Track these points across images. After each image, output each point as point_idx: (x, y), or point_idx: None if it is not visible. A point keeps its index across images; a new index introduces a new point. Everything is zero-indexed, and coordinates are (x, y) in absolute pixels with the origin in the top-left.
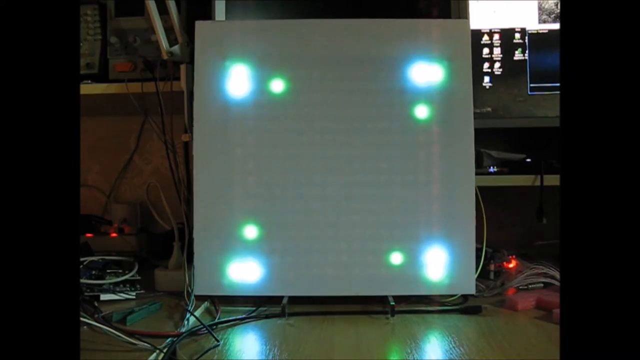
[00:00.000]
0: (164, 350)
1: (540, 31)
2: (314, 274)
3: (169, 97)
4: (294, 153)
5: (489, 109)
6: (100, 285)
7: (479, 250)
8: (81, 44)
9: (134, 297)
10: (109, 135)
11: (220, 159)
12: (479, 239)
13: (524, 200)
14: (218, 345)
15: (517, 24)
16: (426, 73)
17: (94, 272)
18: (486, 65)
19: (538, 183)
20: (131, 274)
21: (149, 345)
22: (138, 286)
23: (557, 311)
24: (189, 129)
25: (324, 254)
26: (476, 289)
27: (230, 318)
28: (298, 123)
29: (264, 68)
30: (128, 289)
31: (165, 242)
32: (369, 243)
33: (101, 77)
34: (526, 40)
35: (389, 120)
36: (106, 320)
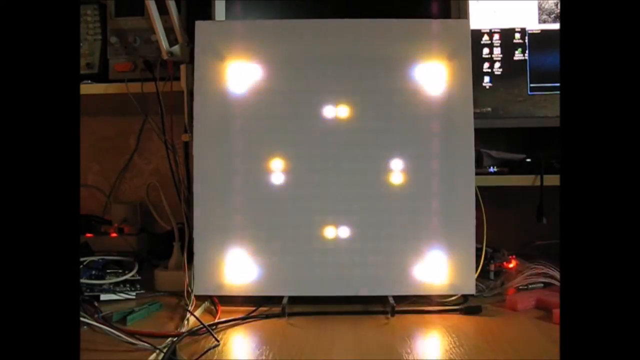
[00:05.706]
0: (164, 350)
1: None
2: (314, 274)
3: (169, 97)
4: (294, 153)
5: (489, 109)
6: (100, 285)
7: (479, 250)
8: (81, 44)
9: (134, 297)
10: (109, 135)
11: (220, 159)
12: (479, 239)
13: (524, 200)
14: (218, 345)
15: (517, 24)
16: (426, 73)
17: (94, 272)
18: (486, 65)
19: (538, 183)
20: (131, 274)
21: (149, 345)
22: (138, 286)
23: (557, 311)
24: (189, 129)
25: (324, 254)
26: (476, 289)
27: (230, 318)
28: (298, 123)
29: (264, 68)
30: (128, 289)
31: (165, 242)
32: (369, 243)
33: (101, 77)
34: (526, 40)
35: (389, 120)
36: (106, 320)
